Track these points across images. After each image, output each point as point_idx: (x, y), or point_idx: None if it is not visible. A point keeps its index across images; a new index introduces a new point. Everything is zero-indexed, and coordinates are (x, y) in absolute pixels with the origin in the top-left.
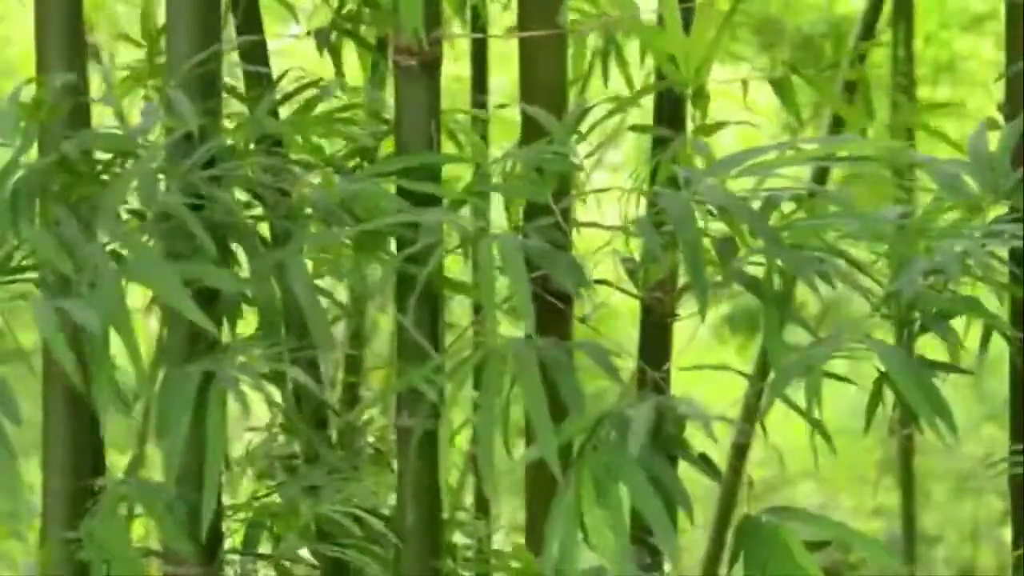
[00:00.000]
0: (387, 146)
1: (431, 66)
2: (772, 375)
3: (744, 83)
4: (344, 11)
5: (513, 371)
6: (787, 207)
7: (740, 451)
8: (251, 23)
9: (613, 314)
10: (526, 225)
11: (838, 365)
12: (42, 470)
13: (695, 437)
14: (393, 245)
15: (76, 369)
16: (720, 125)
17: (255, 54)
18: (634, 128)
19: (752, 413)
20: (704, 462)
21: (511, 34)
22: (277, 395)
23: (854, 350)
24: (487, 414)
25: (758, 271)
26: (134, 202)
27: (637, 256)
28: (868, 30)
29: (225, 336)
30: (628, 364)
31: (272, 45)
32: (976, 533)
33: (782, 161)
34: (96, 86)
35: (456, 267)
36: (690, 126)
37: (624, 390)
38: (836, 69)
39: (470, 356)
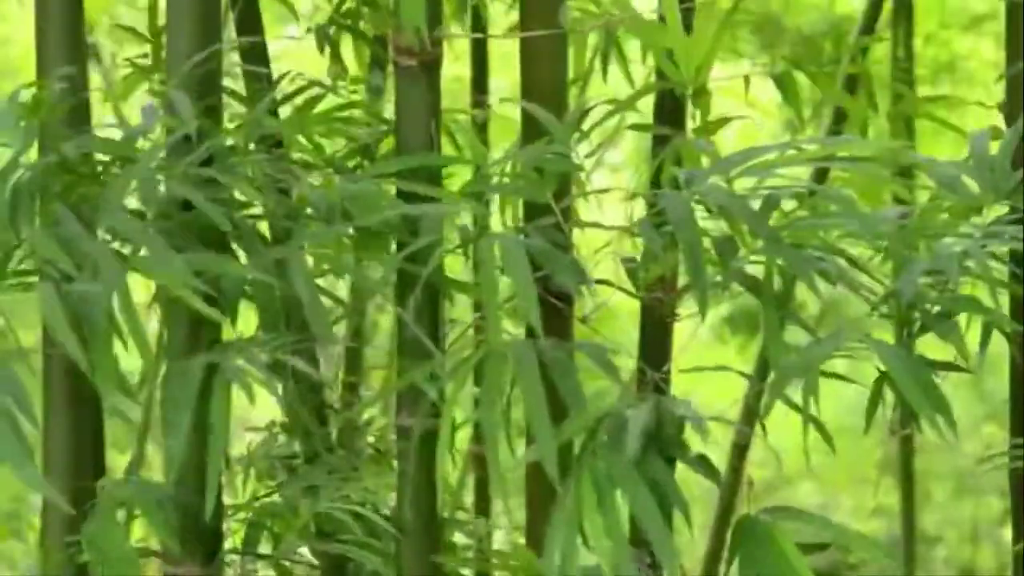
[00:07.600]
0: (387, 145)
1: (431, 66)
2: (772, 375)
3: (746, 79)
4: (343, 9)
5: (513, 372)
6: (787, 205)
7: (740, 451)
8: (250, 22)
9: (613, 314)
10: (527, 225)
11: (838, 365)
12: (42, 470)
13: (697, 438)
14: (393, 246)
15: (80, 354)
16: (722, 123)
17: (254, 54)
18: (635, 127)
19: (752, 413)
20: (703, 463)
21: (511, 34)
22: (279, 389)
23: (854, 349)
24: (490, 414)
25: (758, 271)
26: (133, 202)
27: (638, 256)
28: (868, 29)
29: (226, 334)
30: (628, 364)
31: (271, 46)
32: (976, 533)
33: (783, 161)
34: (96, 85)
35: (457, 267)
36: (691, 125)
37: (624, 391)
38: (837, 65)
39: (471, 356)
